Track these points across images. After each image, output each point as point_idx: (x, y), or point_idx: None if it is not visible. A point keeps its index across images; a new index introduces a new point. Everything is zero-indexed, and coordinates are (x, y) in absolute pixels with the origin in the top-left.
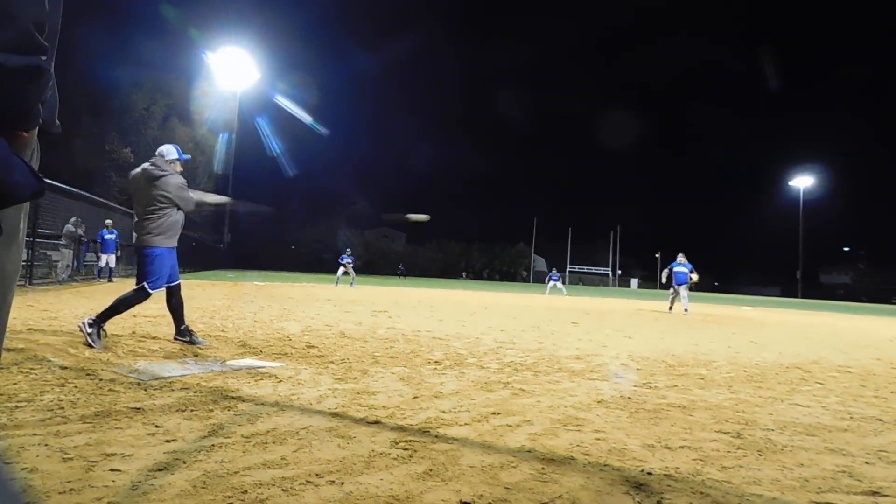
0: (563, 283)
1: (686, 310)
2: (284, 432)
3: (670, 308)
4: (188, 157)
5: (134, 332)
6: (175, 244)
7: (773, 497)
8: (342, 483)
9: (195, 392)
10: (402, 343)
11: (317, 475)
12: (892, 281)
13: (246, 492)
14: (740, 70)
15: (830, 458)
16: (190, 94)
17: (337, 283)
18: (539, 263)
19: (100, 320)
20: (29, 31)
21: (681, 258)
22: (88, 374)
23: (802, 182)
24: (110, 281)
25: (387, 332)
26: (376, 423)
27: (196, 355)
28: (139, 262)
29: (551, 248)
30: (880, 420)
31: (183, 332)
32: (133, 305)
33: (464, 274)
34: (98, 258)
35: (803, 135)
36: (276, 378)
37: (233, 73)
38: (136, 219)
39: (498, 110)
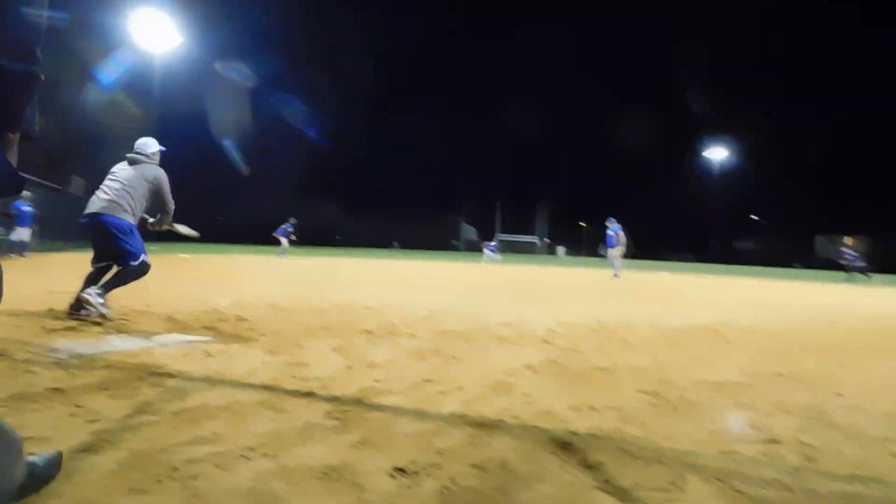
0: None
1: (616, 274)
2: (215, 407)
3: (616, 275)
4: (164, 148)
5: (51, 309)
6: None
7: (687, 450)
8: (276, 455)
9: (120, 370)
10: (334, 314)
11: (250, 449)
12: (793, 247)
13: (176, 469)
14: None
15: (737, 412)
16: (106, 58)
17: (281, 255)
18: (469, 233)
19: (104, 291)
20: (30, 43)
21: (608, 222)
22: (1, 355)
23: (716, 154)
24: (22, 256)
25: (319, 303)
26: (309, 394)
27: (119, 331)
28: (116, 235)
29: (481, 217)
30: (780, 375)
31: (80, 307)
32: (138, 278)
33: (395, 244)
34: (13, 231)
35: (715, 111)
36: (206, 352)
37: (153, 36)
38: (107, 193)
39: (422, 82)
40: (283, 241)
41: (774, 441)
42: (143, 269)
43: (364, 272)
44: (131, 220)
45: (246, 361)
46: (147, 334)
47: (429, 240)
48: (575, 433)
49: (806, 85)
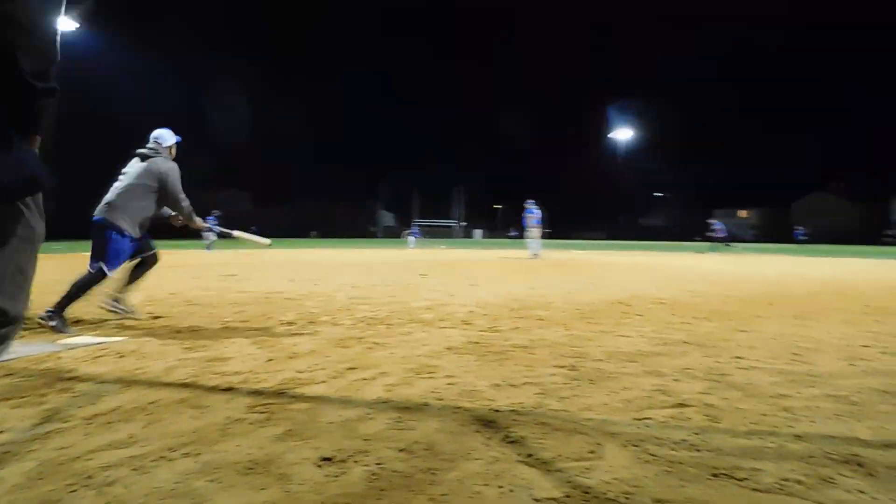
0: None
1: (534, 254)
2: (131, 409)
3: (535, 254)
4: (180, 138)
5: None
6: (138, 234)
7: (603, 419)
8: (198, 454)
9: (23, 377)
10: (253, 306)
11: (170, 449)
12: (693, 221)
13: (91, 476)
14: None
15: (648, 380)
16: None
17: (208, 248)
18: (387, 219)
19: (59, 310)
20: (51, 65)
21: (526, 204)
22: None
23: (622, 134)
24: None
25: (237, 296)
26: (230, 389)
27: (22, 336)
28: (99, 239)
29: (399, 204)
30: (686, 343)
31: (121, 301)
32: (90, 289)
33: (312, 233)
34: None
35: (619, 94)
36: (118, 353)
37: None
38: (109, 194)
39: (342, 69)
40: (209, 234)
41: (682, 405)
42: (100, 278)
43: (282, 263)
44: (127, 223)
45: (162, 360)
46: (53, 338)
47: (347, 227)
48: (497, 410)
49: (707, 67)
